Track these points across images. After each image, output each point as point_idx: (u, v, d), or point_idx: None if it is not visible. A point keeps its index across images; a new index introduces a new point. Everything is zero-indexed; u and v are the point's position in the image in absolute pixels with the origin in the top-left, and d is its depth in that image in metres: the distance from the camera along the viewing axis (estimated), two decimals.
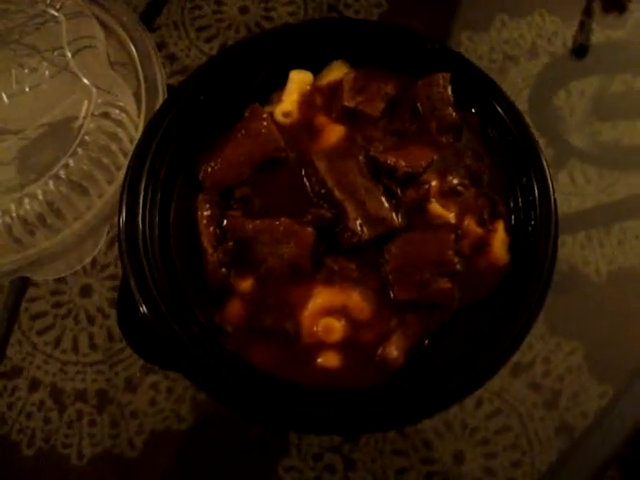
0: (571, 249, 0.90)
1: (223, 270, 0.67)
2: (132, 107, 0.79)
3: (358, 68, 0.75)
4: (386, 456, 0.79)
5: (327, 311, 0.67)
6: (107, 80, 0.80)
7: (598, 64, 1.00)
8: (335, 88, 0.74)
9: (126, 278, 0.66)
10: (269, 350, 0.66)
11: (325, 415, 0.64)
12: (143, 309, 0.64)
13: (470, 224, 0.69)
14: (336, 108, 0.74)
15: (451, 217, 0.70)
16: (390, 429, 0.77)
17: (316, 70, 0.76)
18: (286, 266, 0.67)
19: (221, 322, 0.67)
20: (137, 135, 0.77)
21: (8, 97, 0.80)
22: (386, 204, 0.68)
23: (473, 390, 0.65)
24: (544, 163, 0.69)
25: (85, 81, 0.79)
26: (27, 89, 0.81)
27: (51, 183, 0.75)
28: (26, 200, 0.75)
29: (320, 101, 0.74)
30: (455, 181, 0.70)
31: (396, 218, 0.68)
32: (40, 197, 0.75)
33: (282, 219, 0.67)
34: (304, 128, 0.73)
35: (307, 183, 0.70)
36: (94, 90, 0.78)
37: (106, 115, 0.77)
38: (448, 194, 0.70)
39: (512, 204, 0.71)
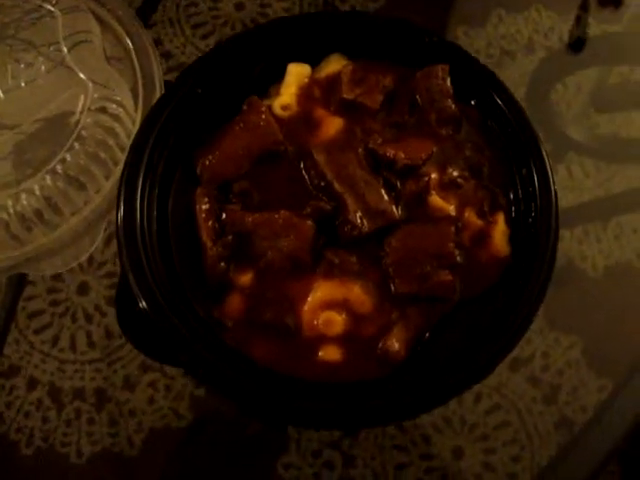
0: (569, 243, 0.89)
1: (222, 264, 0.67)
2: (129, 102, 0.79)
3: (356, 60, 0.75)
4: (385, 452, 0.79)
5: (328, 304, 0.66)
6: (104, 75, 0.79)
7: (595, 58, 1.00)
8: (333, 81, 0.74)
9: (125, 273, 0.65)
10: (269, 344, 0.66)
11: (326, 409, 0.64)
12: (142, 304, 0.64)
13: (470, 216, 0.69)
14: (335, 100, 0.73)
15: (451, 209, 0.69)
16: (392, 422, 0.77)
17: (314, 63, 0.76)
18: (286, 260, 0.67)
19: (221, 316, 0.66)
20: (134, 130, 0.77)
21: (4, 92, 0.80)
22: (386, 197, 0.68)
23: (475, 382, 0.65)
24: (544, 154, 0.69)
25: (81, 76, 0.78)
26: (23, 84, 0.80)
27: (48, 178, 0.74)
28: (23, 196, 0.74)
29: (318, 94, 0.74)
30: (455, 173, 0.70)
31: (396, 211, 0.68)
32: (37, 192, 0.74)
33: (281, 212, 0.67)
34: (303, 121, 0.73)
35: (306, 176, 0.70)
36: (90, 85, 0.78)
37: (103, 110, 0.77)
38: (448, 186, 0.70)
39: (512, 196, 0.71)
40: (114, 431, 0.80)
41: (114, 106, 0.77)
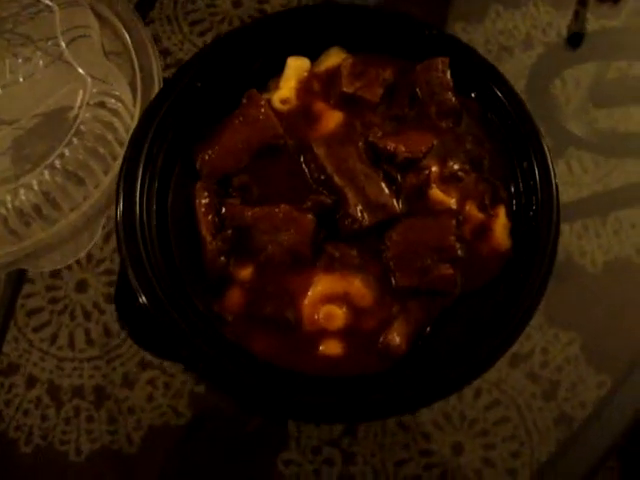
0: (568, 239, 0.89)
1: (222, 258, 0.67)
2: (128, 96, 0.78)
3: (356, 54, 0.75)
4: (385, 449, 0.78)
5: (328, 298, 0.66)
6: (102, 69, 0.79)
7: (593, 53, 1.00)
8: (333, 74, 0.74)
9: (124, 268, 0.65)
10: (269, 338, 0.66)
11: (328, 403, 0.64)
12: (142, 299, 0.63)
13: (471, 209, 0.69)
14: (334, 94, 0.73)
15: (452, 203, 0.69)
16: (393, 416, 0.77)
17: (313, 56, 0.75)
18: (286, 254, 0.67)
19: (220, 311, 0.66)
20: (133, 124, 0.76)
21: (2, 87, 0.79)
22: (386, 190, 0.68)
23: (476, 376, 0.65)
24: (545, 147, 0.69)
25: (80, 70, 0.78)
26: (21, 79, 0.80)
27: (46, 173, 0.74)
28: (21, 191, 0.74)
29: (318, 87, 0.74)
30: (455, 166, 0.70)
31: (397, 204, 0.68)
32: (35, 187, 0.74)
33: (281, 206, 0.67)
34: (302, 114, 0.73)
35: (306, 170, 0.70)
36: (89, 79, 0.77)
37: (102, 104, 0.77)
38: (449, 179, 0.69)
39: (513, 189, 0.71)
40: (113, 429, 0.80)
41: (113, 101, 0.77)
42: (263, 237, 0.67)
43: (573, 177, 0.92)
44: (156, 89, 0.79)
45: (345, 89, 0.72)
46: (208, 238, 0.66)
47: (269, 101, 0.72)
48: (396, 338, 0.65)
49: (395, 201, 0.68)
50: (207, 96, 0.72)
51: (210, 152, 0.70)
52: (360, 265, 0.67)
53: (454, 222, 0.67)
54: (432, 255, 0.66)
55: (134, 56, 0.81)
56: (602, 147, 0.95)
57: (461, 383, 0.65)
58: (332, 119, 0.72)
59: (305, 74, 0.74)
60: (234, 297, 0.67)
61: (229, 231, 0.67)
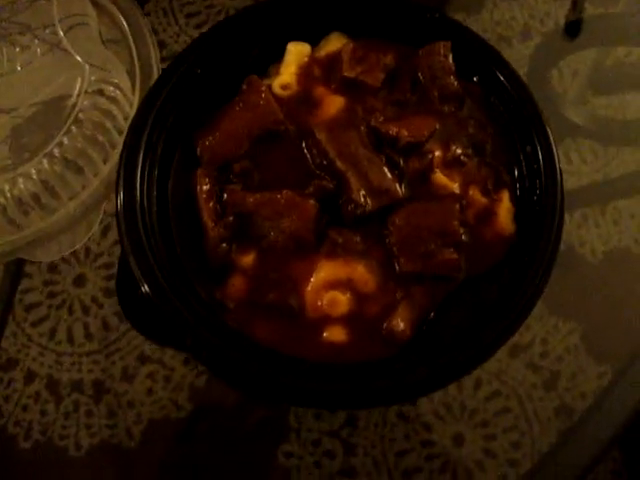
0: (568, 229, 0.89)
1: (224, 245, 0.66)
2: (126, 84, 0.78)
3: (357, 39, 0.74)
4: (386, 440, 0.78)
5: (331, 284, 0.66)
6: (100, 57, 0.78)
7: (591, 42, 1.00)
8: (334, 59, 0.73)
9: (125, 256, 0.64)
10: (272, 325, 0.65)
11: (332, 389, 0.63)
12: (145, 288, 0.63)
13: (475, 194, 0.68)
14: (335, 79, 0.73)
15: (455, 187, 0.69)
16: (399, 402, 0.77)
17: (314, 42, 0.75)
18: (288, 240, 0.66)
19: (223, 298, 0.66)
20: (132, 112, 0.76)
21: (0, 76, 0.78)
22: (389, 175, 0.67)
23: (481, 362, 0.64)
24: (548, 130, 0.69)
25: (78, 58, 0.77)
26: (19, 67, 0.79)
27: (45, 162, 0.74)
28: (20, 180, 0.73)
29: (319, 73, 0.73)
30: (458, 151, 0.69)
31: (400, 189, 0.67)
32: (34, 176, 0.74)
33: (283, 192, 0.66)
34: (303, 100, 0.72)
35: (308, 155, 0.69)
36: (87, 67, 0.77)
37: (100, 92, 0.76)
38: (452, 164, 0.69)
39: (517, 173, 0.70)
40: (113, 423, 0.79)
41: (111, 88, 0.77)
42: (265, 223, 0.66)
43: (572, 167, 0.92)
44: (155, 77, 0.79)
45: (346, 74, 0.72)
46: (210, 225, 0.66)
47: (269, 87, 0.72)
48: (400, 324, 0.64)
49: (398, 186, 0.67)
50: (207, 83, 0.72)
51: (210, 138, 0.69)
52: (363, 251, 0.67)
53: (458, 206, 0.66)
54: (436, 240, 0.66)
55: (132, 44, 0.80)
56: (601, 136, 0.95)
57: (467, 368, 0.64)
58: (333, 104, 0.71)
59: (305, 59, 0.73)
60: (236, 284, 0.66)
61: (231, 218, 0.66)
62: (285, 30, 0.74)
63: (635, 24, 1.00)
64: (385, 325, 0.65)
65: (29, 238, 0.74)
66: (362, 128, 0.69)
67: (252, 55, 0.74)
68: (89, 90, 0.76)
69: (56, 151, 0.74)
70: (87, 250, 0.84)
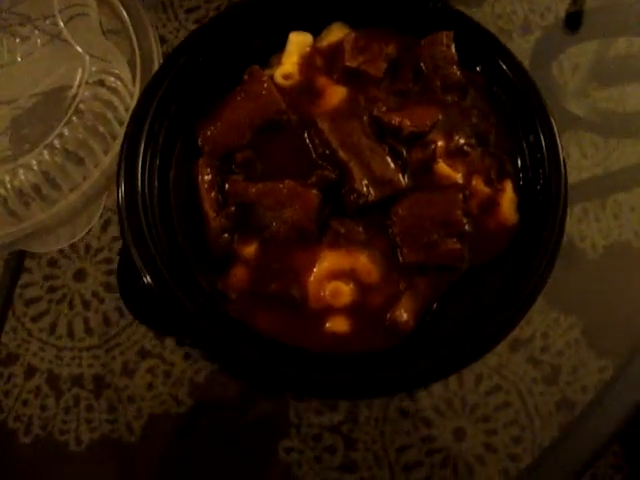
0: (568, 223, 0.88)
1: (226, 235, 0.66)
2: (127, 75, 0.78)
3: (358, 29, 0.74)
4: (386, 435, 0.78)
5: (334, 275, 0.65)
6: (101, 48, 0.78)
7: (591, 34, 1.00)
8: (336, 49, 0.73)
9: (127, 247, 0.64)
10: (274, 316, 0.65)
11: (335, 380, 0.63)
12: (147, 279, 0.63)
13: (478, 184, 0.68)
14: (337, 69, 0.72)
15: (458, 177, 0.69)
16: (402, 392, 0.77)
17: (316, 32, 0.75)
18: (291, 230, 0.66)
19: (224, 289, 0.65)
20: (132, 103, 0.76)
21: (0, 67, 0.78)
22: (392, 165, 0.67)
23: (485, 352, 0.64)
24: (552, 120, 0.69)
25: (78, 49, 0.77)
26: (19, 59, 0.79)
27: (46, 153, 0.73)
28: (20, 171, 0.73)
29: (321, 63, 0.73)
30: (461, 141, 0.69)
31: (403, 179, 0.67)
32: (35, 167, 0.73)
33: (286, 181, 0.66)
34: (305, 90, 0.72)
35: (310, 145, 0.69)
36: (88, 58, 0.77)
37: (101, 83, 0.76)
38: (455, 154, 0.69)
39: (520, 163, 0.70)
40: (113, 417, 0.79)
41: (112, 79, 0.76)
42: (267, 213, 0.66)
43: (572, 161, 0.92)
44: (155, 68, 0.78)
45: (348, 63, 0.71)
46: (211, 215, 0.66)
47: (271, 77, 0.71)
48: (403, 314, 0.64)
49: (401, 176, 0.67)
50: (208, 72, 0.72)
51: (212, 128, 0.69)
52: (366, 241, 0.66)
53: (461, 196, 0.66)
54: (439, 230, 0.65)
55: (133, 35, 0.80)
56: (601, 129, 0.95)
57: (470, 358, 0.64)
58: (335, 94, 0.71)
59: (307, 49, 0.73)
60: (238, 274, 0.66)
61: (232, 208, 0.66)
62: (287, 20, 0.74)
63: (635, 14, 1.00)
64: (388, 316, 0.65)
65: (30, 230, 0.74)
66: (365, 118, 0.69)
67: (254, 45, 0.74)
68: (90, 81, 0.76)
69: (57, 142, 0.73)
70: (87, 245, 0.84)
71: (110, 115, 0.75)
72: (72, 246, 0.83)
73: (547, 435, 0.79)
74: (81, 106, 0.74)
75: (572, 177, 0.83)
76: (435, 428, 0.78)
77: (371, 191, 0.65)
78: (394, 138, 0.68)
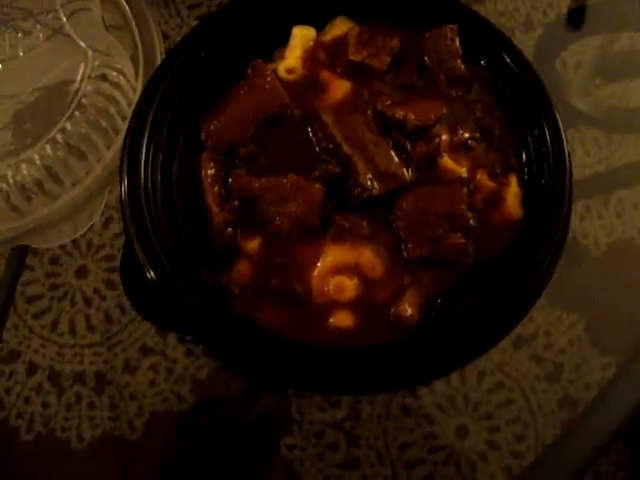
0: (571, 220, 0.88)
1: (229, 230, 0.66)
2: (130, 70, 0.78)
3: (362, 23, 0.74)
4: (389, 432, 0.78)
5: (338, 269, 0.65)
6: (103, 42, 0.78)
7: (594, 31, 1.00)
8: (339, 43, 0.73)
9: (130, 241, 0.64)
10: (278, 311, 0.65)
11: (339, 374, 0.63)
12: (150, 274, 0.62)
13: (482, 178, 0.68)
14: (341, 63, 0.72)
15: (463, 171, 0.68)
16: (406, 387, 0.77)
17: (319, 26, 0.74)
18: (294, 224, 0.66)
19: (228, 283, 0.65)
20: (135, 98, 0.76)
21: (2, 62, 0.79)
22: (396, 159, 0.67)
23: (491, 346, 0.64)
24: (556, 114, 0.68)
25: (81, 43, 0.77)
26: (21, 53, 0.79)
27: (48, 147, 0.73)
28: (23, 165, 0.73)
29: (324, 57, 0.73)
30: (466, 135, 0.69)
31: (407, 173, 0.67)
32: (37, 162, 0.73)
33: (289, 176, 0.65)
34: (309, 84, 0.72)
35: (314, 139, 0.69)
36: (90, 52, 0.76)
37: (103, 77, 0.76)
38: (459, 148, 0.69)
39: (524, 157, 0.70)
40: (115, 415, 0.79)
41: (114, 74, 0.76)
42: (271, 208, 0.66)
43: (575, 158, 0.92)
44: (158, 62, 0.78)
45: (352, 57, 0.71)
46: (215, 209, 0.65)
47: (274, 71, 0.71)
48: (408, 309, 0.64)
49: (405, 170, 0.67)
50: (211, 67, 0.71)
51: (215, 122, 0.69)
52: (370, 235, 0.66)
53: (465, 190, 0.66)
54: (443, 224, 0.65)
55: (135, 29, 0.80)
56: (604, 125, 0.95)
57: (476, 353, 0.64)
58: (339, 88, 0.71)
59: (311, 43, 0.73)
60: (241, 269, 0.66)
61: (236, 202, 0.66)
62: (290, 14, 0.74)
63: (638, 9, 1.00)
64: (393, 310, 0.65)
65: (32, 225, 0.74)
66: (368, 112, 0.69)
67: (257, 39, 0.74)
68: (92, 75, 0.76)
69: (59, 137, 0.73)
70: (89, 242, 0.84)
71: (113, 110, 0.74)
72: (74, 243, 0.83)
73: (550, 432, 0.79)
74: (84, 101, 0.74)
75: (575, 174, 0.82)
76: (437, 425, 0.78)
77: (375, 185, 0.65)
78: (398, 132, 0.68)
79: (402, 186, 0.66)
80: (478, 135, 0.69)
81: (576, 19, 1.00)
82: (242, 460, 0.78)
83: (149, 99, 0.68)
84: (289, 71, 0.72)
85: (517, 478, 0.77)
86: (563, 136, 0.67)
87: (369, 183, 0.65)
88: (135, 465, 0.79)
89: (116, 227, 0.84)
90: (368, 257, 0.65)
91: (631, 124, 0.95)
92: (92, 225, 0.80)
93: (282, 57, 0.73)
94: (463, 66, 0.71)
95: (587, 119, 0.94)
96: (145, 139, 0.67)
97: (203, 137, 0.69)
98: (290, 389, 0.78)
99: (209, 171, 0.66)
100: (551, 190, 0.66)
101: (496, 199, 0.68)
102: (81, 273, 0.84)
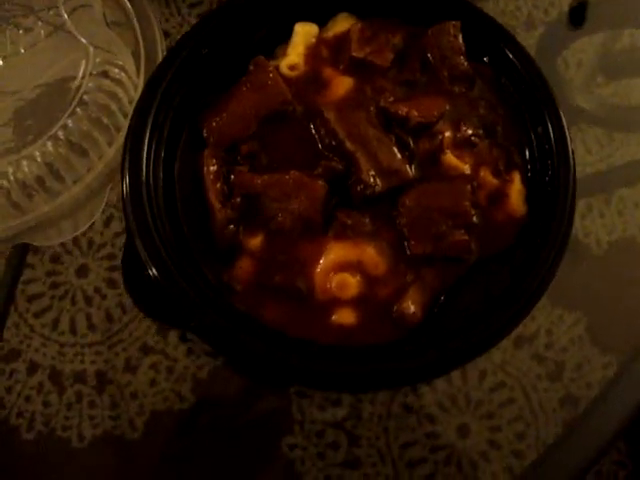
0: None
1: (231, 227, 0.66)
2: (131, 67, 0.77)
3: (364, 20, 0.73)
4: (390, 431, 0.77)
5: (341, 267, 0.65)
6: (104, 39, 0.78)
7: (596, 29, 1.00)
8: (342, 40, 0.73)
9: (132, 239, 0.63)
10: (280, 308, 0.65)
11: (341, 372, 0.62)
12: (152, 271, 0.62)
13: (486, 175, 0.68)
14: (344, 59, 0.72)
15: (466, 168, 0.68)
16: (409, 385, 0.76)
17: (321, 23, 0.74)
18: (297, 221, 0.65)
19: (230, 280, 0.65)
20: (137, 95, 0.75)
21: (3, 58, 0.78)
22: (399, 155, 0.67)
23: (493, 344, 0.64)
24: (560, 111, 0.68)
25: (82, 40, 0.77)
26: (22, 50, 0.79)
27: (49, 144, 0.73)
28: (24, 162, 0.73)
29: (326, 54, 0.73)
30: (469, 131, 0.69)
31: (410, 170, 0.67)
32: (38, 159, 0.73)
33: (292, 172, 0.65)
34: (311, 81, 0.72)
35: (316, 136, 0.68)
36: (92, 49, 0.76)
37: (105, 74, 0.75)
38: (462, 145, 0.68)
39: (528, 154, 0.70)
40: (115, 414, 0.79)
41: (116, 70, 0.76)
42: (273, 205, 0.65)
43: (577, 156, 0.90)
44: (159, 59, 0.78)
45: (355, 54, 0.71)
46: (217, 206, 0.65)
47: (277, 68, 0.71)
48: (411, 306, 0.64)
49: (408, 166, 0.67)
50: (213, 63, 0.71)
51: (217, 119, 0.68)
52: (373, 232, 0.66)
53: (469, 187, 0.66)
54: (446, 221, 0.65)
55: (137, 26, 0.79)
56: (606, 123, 0.94)
57: (480, 350, 0.64)
58: (342, 85, 0.71)
59: (313, 40, 0.73)
60: (244, 266, 0.66)
61: (238, 199, 0.66)
62: (292, 11, 0.74)
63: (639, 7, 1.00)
64: (396, 308, 0.64)
65: (33, 222, 0.74)
66: (371, 108, 0.68)
67: (258, 36, 0.73)
68: (94, 72, 0.75)
69: (60, 133, 0.73)
70: (90, 241, 0.84)
71: (114, 107, 0.74)
72: (74, 242, 0.82)
73: (551, 431, 0.79)
74: (85, 97, 0.74)
75: (576, 173, 0.82)
76: (439, 424, 0.78)
77: (378, 182, 0.65)
78: (401, 129, 0.68)
79: (405, 183, 0.66)
80: (481, 132, 0.69)
81: (578, 17, 0.99)
82: (243, 459, 0.78)
83: (151, 96, 0.67)
84: (291, 68, 0.71)
85: (519, 477, 0.77)
86: (567, 133, 0.67)
87: (372, 180, 0.65)
88: (136, 464, 0.79)
89: (117, 226, 0.84)
90: (371, 254, 0.65)
91: (633, 122, 0.95)
92: (93, 223, 0.80)
93: (284, 54, 0.72)
94: (466, 63, 0.71)
95: (589, 117, 0.94)
96: (147, 136, 0.66)
97: (205, 134, 0.68)
98: (292, 388, 0.77)
99: (211, 168, 0.66)
100: (555, 187, 0.66)
101: (499, 196, 0.67)
102: (82, 272, 0.83)
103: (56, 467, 0.78)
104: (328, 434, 0.77)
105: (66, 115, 0.73)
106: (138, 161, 0.65)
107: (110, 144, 0.75)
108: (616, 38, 0.99)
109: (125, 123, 0.74)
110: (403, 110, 0.67)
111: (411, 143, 0.68)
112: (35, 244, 0.79)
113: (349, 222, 0.65)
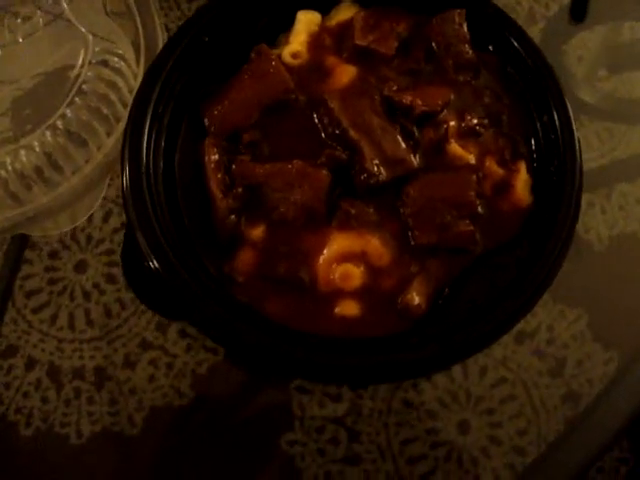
0: None
1: (233, 217, 0.65)
2: (131, 55, 0.77)
3: (368, 8, 0.73)
4: (390, 427, 0.77)
5: (344, 257, 0.64)
6: (104, 28, 0.77)
7: (596, 23, 1.00)
8: (345, 28, 0.72)
9: (132, 230, 0.62)
10: (283, 300, 0.64)
11: (345, 364, 0.61)
12: (153, 263, 0.61)
13: (491, 165, 0.67)
14: (347, 48, 0.71)
15: (471, 158, 0.67)
16: (413, 377, 0.76)
17: (324, 11, 0.74)
18: (299, 211, 0.65)
19: (231, 272, 0.64)
20: (136, 85, 0.74)
21: (1, 47, 0.78)
22: (403, 145, 0.66)
23: (499, 336, 0.63)
24: (566, 100, 0.67)
25: (81, 29, 0.76)
26: (20, 39, 0.78)
27: (48, 134, 0.72)
28: (22, 152, 0.72)
29: (329, 42, 0.72)
30: (474, 121, 0.68)
31: (414, 159, 0.66)
32: (37, 149, 0.72)
33: (294, 161, 0.64)
34: (314, 69, 0.71)
35: (319, 125, 0.68)
36: (91, 37, 0.75)
37: (104, 63, 0.75)
38: (467, 134, 0.68)
39: (533, 144, 0.69)
40: (114, 410, 0.78)
41: (116, 59, 0.75)
42: (275, 195, 0.65)
43: None
44: (159, 48, 0.77)
45: (358, 42, 0.70)
46: (218, 196, 0.64)
47: (279, 56, 0.70)
48: (415, 298, 0.63)
49: (413, 156, 0.66)
50: (214, 51, 0.71)
51: (219, 108, 0.68)
52: (377, 222, 0.65)
53: (474, 177, 0.65)
54: (451, 211, 0.64)
55: (137, 15, 0.79)
56: (608, 118, 0.94)
57: (485, 342, 0.63)
58: (345, 73, 0.70)
59: (316, 28, 0.72)
60: (245, 258, 0.65)
61: (240, 189, 0.65)
62: None
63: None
64: (400, 299, 0.63)
65: (31, 213, 0.72)
66: (375, 97, 0.68)
67: (261, 24, 0.73)
68: (93, 61, 0.75)
69: (59, 123, 0.72)
70: (88, 236, 0.83)
71: (114, 96, 0.73)
72: (73, 237, 0.82)
73: (553, 428, 0.79)
74: (84, 87, 0.73)
75: None
76: (439, 421, 0.78)
77: (382, 171, 0.64)
78: (405, 118, 0.67)
79: (409, 172, 0.65)
80: (486, 121, 0.68)
81: (579, 12, 0.99)
82: (242, 455, 0.78)
83: (150, 85, 0.67)
84: (294, 56, 0.71)
85: (520, 474, 0.76)
86: (573, 123, 0.67)
87: (376, 169, 0.64)
88: (135, 460, 0.78)
89: (116, 221, 0.84)
90: (375, 245, 0.64)
91: (635, 115, 0.95)
92: (92, 218, 0.79)
93: (287, 42, 0.72)
94: (471, 51, 0.70)
95: (591, 111, 0.94)
96: (147, 126, 0.66)
97: (206, 122, 0.68)
98: (292, 383, 0.77)
99: (212, 157, 0.65)
100: (561, 177, 0.65)
101: (505, 186, 0.67)
102: (80, 267, 0.83)
103: (54, 463, 0.78)
104: (328, 430, 0.77)
105: (65, 104, 0.73)
106: (138, 151, 0.64)
107: (109, 134, 0.74)
108: (617, 32, 0.99)
109: (125, 113, 0.73)
110: (407, 99, 0.67)
111: (415, 132, 0.67)
112: (33, 235, 0.78)
113: (353, 212, 0.64)
